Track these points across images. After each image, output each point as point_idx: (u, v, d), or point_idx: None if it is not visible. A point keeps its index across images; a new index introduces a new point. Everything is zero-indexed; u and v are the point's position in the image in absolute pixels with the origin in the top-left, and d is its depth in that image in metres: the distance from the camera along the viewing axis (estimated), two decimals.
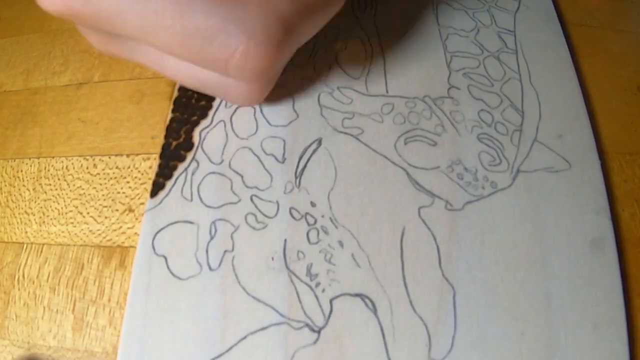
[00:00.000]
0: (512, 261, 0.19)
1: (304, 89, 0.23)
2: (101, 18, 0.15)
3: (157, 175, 0.21)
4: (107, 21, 0.15)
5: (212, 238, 0.20)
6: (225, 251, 0.19)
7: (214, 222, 0.20)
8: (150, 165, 0.22)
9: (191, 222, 0.20)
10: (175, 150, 0.21)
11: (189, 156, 0.21)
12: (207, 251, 0.19)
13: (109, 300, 0.20)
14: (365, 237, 0.20)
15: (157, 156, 0.22)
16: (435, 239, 0.19)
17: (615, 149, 0.22)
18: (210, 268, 0.19)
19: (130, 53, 0.18)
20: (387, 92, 0.23)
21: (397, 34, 0.24)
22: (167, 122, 0.22)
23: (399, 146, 0.21)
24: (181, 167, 0.21)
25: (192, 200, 0.20)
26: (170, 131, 0.22)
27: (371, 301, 0.18)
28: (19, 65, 0.27)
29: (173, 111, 0.22)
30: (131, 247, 0.21)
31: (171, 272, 0.19)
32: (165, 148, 0.21)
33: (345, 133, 0.22)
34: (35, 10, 0.29)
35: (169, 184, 0.21)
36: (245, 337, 0.18)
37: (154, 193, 0.20)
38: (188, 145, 0.21)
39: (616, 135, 0.22)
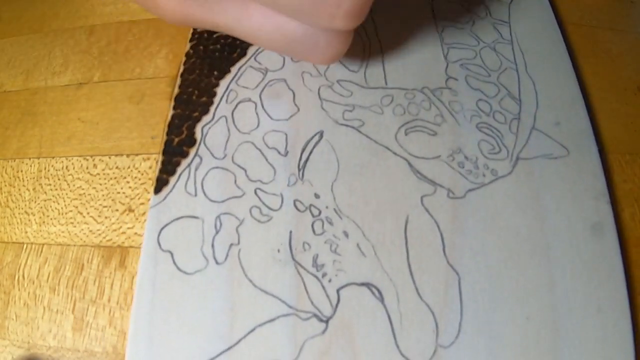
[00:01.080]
0: (515, 247, 0.19)
1: (303, 82, 0.23)
2: None
3: (160, 171, 0.21)
4: None
5: (217, 232, 0.20)
6: (231, 245, 0.19)
7: (218, 217, 0.20)
8: (150, 165, 0.22)
9: (196, 217, 0.20)
10: (177, 146, 0.21)
11: (192, 152, 0.21)
12: (212, 245, 0.19)
13: (109, 300, 0.20)
14: (370, 227, 0.20)
15: (157, 156, 0.22)
16: (438, 227, 0.20)
17: (615, 149, 0.22)
18: (216, 262, 0.19)
19: (206, 10, 0.16)
20: (386, 84, 0.23)
21: (394, 27, 0.25)
22: (169, 118, 0.22)
23: (400, 137, 0.22)
24: (184, 162, 0.21)
25: (196, 195, 0.20)
26: (172, 127, 0.22)
27: (378, 290, 0.19)
28: (19, 65, 0.27)
29: (174, 108, 0.22)
30: (131, 247, 0.21)
31: (177, 267, 0.19)
32: (167, 144, 0.21)
33: (346, 125, 0.22)
34: (35, 10, 0.29)
35: (172, 179, 0.21)
36: (253, 330, 0.18)
37: (157, 189, 0.20)
38: (190, 141, 0.22)
39: (616, 135, 0.23)
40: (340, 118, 0.22)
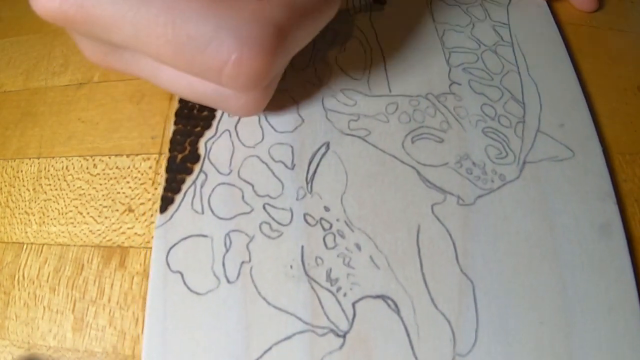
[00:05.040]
0: (525, 251, 0.19)
1: (307, 93, 0.23)
2: (95, 25, 0.15)
3: (165, 189, 0.20)
4: (101, 28, 0.15)
5: (227, 250, 0.19)
6: (243, 262, 0.19)
7: (228, 234, 0.20)
8: (150, 166, 0.22)
9: (205, 236, 0.20)
10: (181, 163, 0.21)
11: (196, 168, 0.21)
12: (223, 264, 0.19)
13: (109, 301, 0.20)
14: (382, 238, 0.20)
15: (157, 156, 0.22)
16: (450, 235, 0.20)
17: (615, 149, 0.22)
18: (228, 281, 0.19)
19: (124, 64, 0.18)
20: (390, 91, 0.23)
21: (395, 33, 0.24)
22: (171, 134, 0.22)
23: (407, 145, 0.21)
24: (189, 180, 0.21)
25: (203, 213, 0.20)
26: (175, 144, 0.21)
27: (393, 302, 0.19)
28: (19, 65, 0.27)
29: (175, 123, 0.22)
30: (131, 247, 0.20)
31: (188, 288, 0.19)
32: (171, 162, 0.21)
33: (352, 135, 0.22)
34: None
35: (178, 198, 0.20)
36: (270, 349, 0.18)
37: (163, 208, 0.20)
38: (194, 157, 0.21)
39: (616, 135, 0.23)
40: (345, 128, 0.22)
